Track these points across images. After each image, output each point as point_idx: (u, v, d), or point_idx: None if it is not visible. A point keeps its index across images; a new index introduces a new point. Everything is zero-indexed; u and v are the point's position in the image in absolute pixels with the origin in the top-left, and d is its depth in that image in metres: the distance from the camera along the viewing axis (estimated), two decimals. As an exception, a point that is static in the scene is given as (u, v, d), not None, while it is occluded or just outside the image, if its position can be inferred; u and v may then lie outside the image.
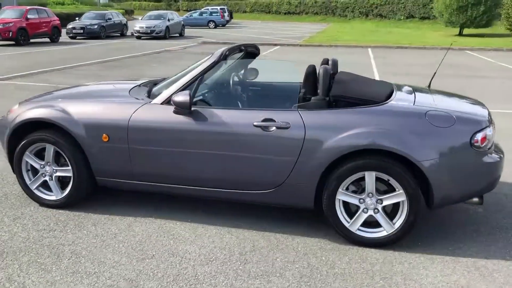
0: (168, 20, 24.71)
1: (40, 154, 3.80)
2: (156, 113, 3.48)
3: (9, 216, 3.67)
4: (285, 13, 46.33)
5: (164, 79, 4.36)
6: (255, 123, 3.28)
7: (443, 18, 27.78)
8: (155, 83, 4.23)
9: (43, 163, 3.77)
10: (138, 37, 24.08)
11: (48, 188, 3.84)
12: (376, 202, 3.20)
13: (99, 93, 4.00)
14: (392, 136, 3.08)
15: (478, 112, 3.31)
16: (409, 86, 3.84)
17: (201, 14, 35.69)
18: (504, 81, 10.95)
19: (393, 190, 3.17)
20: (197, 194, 3.55)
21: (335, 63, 4.08)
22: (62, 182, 3.83)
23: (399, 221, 3.19)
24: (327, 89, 3.44)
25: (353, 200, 3.24)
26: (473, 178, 3.16)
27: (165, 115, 3.45)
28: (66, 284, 2.78)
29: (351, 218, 3.28)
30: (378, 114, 3.19)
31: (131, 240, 3.32)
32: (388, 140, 3.07)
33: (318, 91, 3.50)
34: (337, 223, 3.27)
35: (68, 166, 3.71)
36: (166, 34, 24.07)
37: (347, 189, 3.25)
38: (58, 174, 3.76)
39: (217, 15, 35.33)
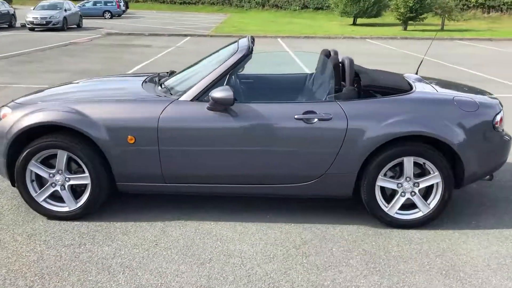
0: (65, 10, 23.03)
1: (45, 162, 3.42)
2: (188, 110, 3.31)
3: (20, 234, 3.26)
4: (180, 3, 45.54)
5: (169, 74, 4.14)
6: (296, 116, 3.27)
7: (338, 8, 29.36)
8: (159, 79, 4.00)
9: (53, 171, 3.39)
10: (31, 29, 22.11)
11: (58, 199, 3.47)
12: (413, 185, 3.38)
13: (108, 91, 3.68)
14: (429, 122, 3.27)
15: (491, 97, 3.64)
16: (413, 75, 4.07)
17: (95, 3, 33.76)
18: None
19: (427, 172, 3.37)
20: (234, 192, 3.46)
21: (336, 54, 4.18)
22: (74, 191, 3.48)
23: (433, 201, 3.40)
24: (353, 79, 3.54)
25: (391, 185, 3.39)
26: (493, 156, 3.48)
27: (199, 113, 3.29)
28: (138, 299, 2.58)
29: (388, 203, 3.42)
30: (411, 102, 3.36)
31: (177, 246, 3.14)
32: (427, 126, 3.25)
33: (343, 82, 3.58)
34: (376, 209, 3.40)
35: (83, 173, 3.38)
36: (64, 26, 22.44)
37: (385, 175, 3.38)
38: (72, 182, 3.41)
39: (112, 5, 33.70)
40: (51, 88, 4.04)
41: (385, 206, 3.41)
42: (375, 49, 16.86)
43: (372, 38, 21.33)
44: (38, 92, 3.91)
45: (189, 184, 3.42)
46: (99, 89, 3.78)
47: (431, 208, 3.40)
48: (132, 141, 3.28)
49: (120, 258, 2.98)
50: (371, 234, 3.36)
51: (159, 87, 3.69)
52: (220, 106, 3.24)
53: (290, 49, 15.88)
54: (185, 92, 3.41)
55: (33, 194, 3.43)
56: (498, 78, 10.28)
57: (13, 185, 3.49)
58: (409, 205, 3.46)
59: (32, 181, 3.42)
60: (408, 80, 3.79)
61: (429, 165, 3.33)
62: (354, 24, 29.33)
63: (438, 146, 3.35)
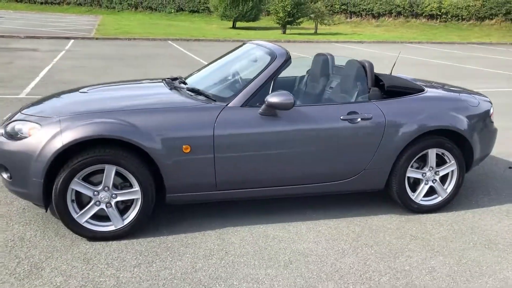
0: None
1: (86, 179, 3.14)
2: (240, 116, 3.31)
3: (73, 259, 2.95)
4: (41, 3, 42.02)
5: (174, 79, 4.03)
6: (342, 117, 3.48)
7: (218, 12, 29.80)
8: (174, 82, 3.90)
9: (98, 188, 3.13)
10: None
11: (99, 218, 3.20)
12: (435, 174, 3.80)
13: (143, 99, 3.48)
14: (450, 117, 3.72)
15: (481, 94, 4.23)
16: (404, 75, 4.52)
17: None
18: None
19: (444, 162, 3.82)
20: (283, 194, 3.54)
21: (332, 57, 4.47)
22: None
23: (449, 186, 3.86)
24: (374, 81, 3.85)
25: (417, 175, 3.77)
26: (490, 143, 4.08)
27: (252, 118, 3.32)
28: (256, 307, 2.57)
29: (413, 192, 3.79)
30: (431, 100, 3.80)
31: (248, 252, 3.14)
32: (450, 121, 3.71)
33: (365, 84, 3.86)
34: (405, 198, 3.75)
35: (131, 187, 3.18)
36: None
37: (411, 166, 3.75)
38: (119, 198, 3.18)
39: (-36, 4, 29.88)
40: (59, 97, 3.68)
41: (412, 194, 3.78)
42: (270, 51, 17.54)
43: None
44: (45, 102, 3.56)
45: (241, 190, 3.41)
46: (130, 97, 3.54)
47: (448, 192, 3.86)
48: (188, 150, 3.19)
49: (202, 271, 2.89)
50: (404, 221, 3.70)
51: (189, 93, 3.60)
52: (273, 110, 3.29)
53: (191, 53, 15.80)
54: (231, 98, 3.39)
55: (74, 215, 3.12)
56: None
57: (46, 209, 3.14)
58: (427, 192, 3.87)
59: (72, 201, 3.12)
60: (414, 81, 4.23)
61: (447, 155, 3.78)
62: (234, 27, 30.04)
63: (450, 137, 3.81)
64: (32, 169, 3.03)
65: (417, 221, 3.70)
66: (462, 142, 3.82)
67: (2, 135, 3.25)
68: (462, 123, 3.75)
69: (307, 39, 23.54)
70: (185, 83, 3.91)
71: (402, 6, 31.66)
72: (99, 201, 3.15)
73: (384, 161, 3.62)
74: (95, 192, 3.13)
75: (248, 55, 4.07)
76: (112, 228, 3.20)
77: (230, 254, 3.11)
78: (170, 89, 3.74)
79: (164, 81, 3.97)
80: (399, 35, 28.39)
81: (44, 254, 3.01)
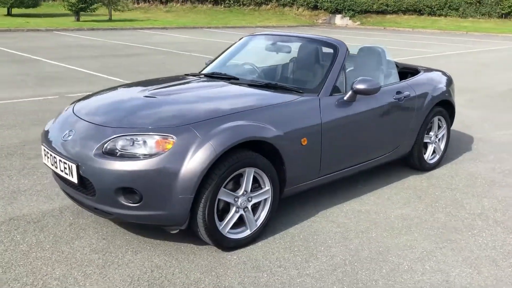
0: None
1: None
2: (333, 104, 3.52)
3: (243, 271, 2.78)
4: None
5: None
6: (394, 97, 3.99)
7: (-13, -2, 25.80)
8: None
9: (238, 194, 2.96)
10: None
11: (234, 225, 3.04)
12: (435, 137, 4.66)
13: (230, 99, 3.35)
14: (446, 90, 4.60)
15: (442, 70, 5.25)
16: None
17: None
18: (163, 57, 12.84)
19: (439, 127, 4.70)
20: (355, 171, 3.88)
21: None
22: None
23: (442, 145, 4.77)
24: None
25: (428, 140, 4.56)
26: (453, 107, 5.14)
27: (341, 104, 3.56)
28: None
29: (424, 154, 4.57)
30: (433, 78, 4.67)
31: (369, 226, 3.42)
32: (446, 93, 4.58)
33: (390, 66, 4.40)
34: (422, 160, 4.52)
35: (261, 187, 3.10)
36: None
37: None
38: (254, 201, 3.07)
39: None
40: (132, 105, 3.21)
41: (425, 156, 4.56)
42: (82, 41, 16.36)
43: (59, 30, 20.23)
44: (122, 110, 3.14)
45: (334, 173, 3.63)
46: (225, 98, 3.32)
47: (442, 150, 4.77)
48: (305, 142, 3.26)
49: (362, 251, 3.09)
50: (426, 178, 4.44)
51: (253, 87, 3.61)
52: (356, 96, 3.59)
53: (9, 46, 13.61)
54: (318, 89, 3.54)
55: (219, 227, 2.90)
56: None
57: (188, 226, 2.84)
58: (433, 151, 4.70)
59: (217, 212, 2.89)
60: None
61: (442, 120, 4.67)
62: (10, 14, 26.50)
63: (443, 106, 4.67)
64: (178, 186, 2.69)
65: (434, 177, 4.49)
66: (448, 108, 4.75)
67: (104, 155, 2.75)
68: (450, 94, 4.68)
69: (111, 26, 22.53)
70: (236, 79, 3.81)
71: (188, -9, 32.66)
72: (238, 207, 2.99)
73: (414, 131, 4.28)
74: (236, 199, 2.96)
75: (277, 46, 4.22)
76: (248, 232, 3.07)
77: (358, 231, 3.35)
78: (238, 85, 3.64)
79: (213, 78, 3.82)
80: (192, 21, 29.35)
81: (208, 274, 2.74)
